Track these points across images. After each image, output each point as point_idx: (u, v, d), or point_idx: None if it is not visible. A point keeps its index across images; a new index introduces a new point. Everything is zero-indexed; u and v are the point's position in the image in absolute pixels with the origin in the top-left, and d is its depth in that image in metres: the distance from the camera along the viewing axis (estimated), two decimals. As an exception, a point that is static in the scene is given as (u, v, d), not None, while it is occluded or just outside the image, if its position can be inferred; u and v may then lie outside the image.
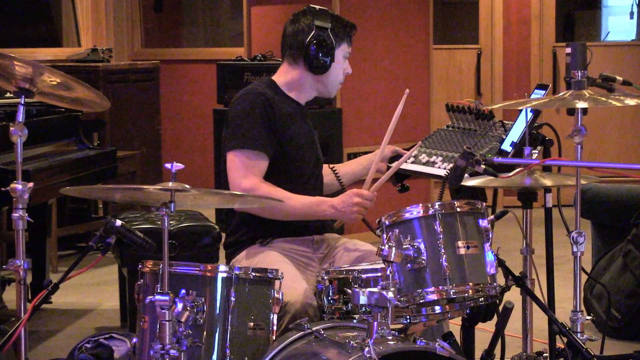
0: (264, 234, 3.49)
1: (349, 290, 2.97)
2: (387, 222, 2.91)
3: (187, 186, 2.76)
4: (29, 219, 3.33)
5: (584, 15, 9.82)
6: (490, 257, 2.94)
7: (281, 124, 3.48)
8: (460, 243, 2.90)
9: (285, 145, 3.49)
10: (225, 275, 2.92)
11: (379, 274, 2.99)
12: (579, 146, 3.21)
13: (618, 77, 3.99)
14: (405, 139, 6.40)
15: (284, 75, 3.59)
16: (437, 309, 2.96)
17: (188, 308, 2.77)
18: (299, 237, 3.52)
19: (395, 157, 3.77)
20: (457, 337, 3.36)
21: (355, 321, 2.96)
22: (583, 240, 3.25)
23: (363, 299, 2.69)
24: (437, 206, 2.91)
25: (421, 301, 2.86)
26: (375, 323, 2.67)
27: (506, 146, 3.68)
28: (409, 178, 4.03)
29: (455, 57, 8.52)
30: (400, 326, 3.02)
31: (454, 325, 3.48)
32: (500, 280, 3.08)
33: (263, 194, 3.35)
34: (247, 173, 3.40)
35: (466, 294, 2.93)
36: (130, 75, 7.11)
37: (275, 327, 2.97)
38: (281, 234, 3.49)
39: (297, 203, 3.42)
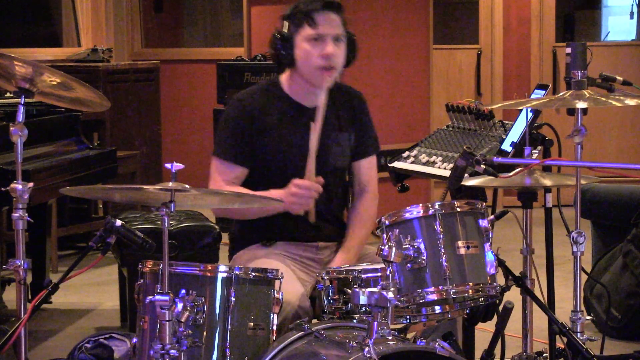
0: (268, 235, 3.46)
1: (349, 290, 2.97)
2: (387, 222, 2.90)
3: (187, 186, 2.76)
4: (29, 219, 3.33)
5: (584, 15, 9.83)
6: (490, 257, 2.94)
7: (259, 132, 3.42)
8: (460, 243, 2.90)
9: (264, 153, 3.43)
10: (225, 275, 2.91)
11: (379, 274, 2.98)
12: (579, 146, 3.21)
13: (618, 77, 3.99)
14: (405, 139, 6.41)
15: (285, 77, 3.52)
16: (437, 309, 2.96)
17: (188, 308, 2.77)
18: (304, 242, 3.47)
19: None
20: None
21: (355, 321, 2.96)
22: (583, 240, 3.25)
23: (363, 299, 2.69)
24: (437, 206, 2.90)
25: (421, 301, 2.86)
26: (375, 323, 2.67)
27: (506, 146, 3.69)
28: (409, 178, 4.04)
29: (455, 57, 8.52)
30: (400, 326, 3.02)
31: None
32: (500, 280, 3.08)
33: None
34: (216, 178, 3.45)
35: (466, 294, 2.93)
36: (130, 75, 7.11)
37: (275, 327, 2.97)
38: (285, 238, 3.45)
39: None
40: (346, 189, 3.59)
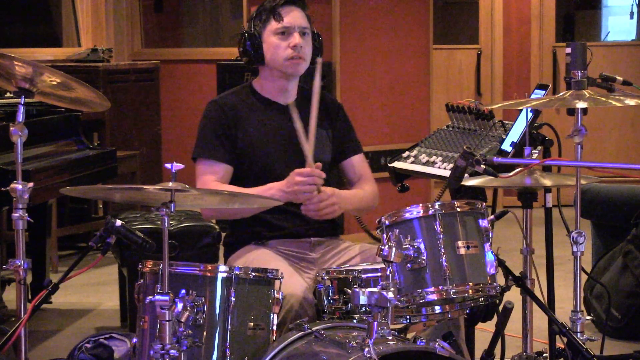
0: (260, 235, 3.47)
1: (349, 290, 2.97)
2: (387, 222, 2.90)
3: (187, 186, 2.76)
4: (29, 219, 3.33)
5: (584, 15, 9.83)
6: (490, 257, 2.94)
7: (238, 129, 3.47)
8: (460, 243, 2.90)
9: (246, 150, 3.47)
10: (225, 275, 2.91)
11: (379, 274, 2.98)
12: (579, 146, 3.21)
13: (618, 77, 3.98)
14: (405, 139, 6.41)
15: (256, 80, 3.61)
16: (437, 309, 2.96)
17: (188, 308, 2.77)
18: (296, 239, 3.49)
19: None
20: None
21: (355, 321, 2.96)
22: (583, 240, 3.25)
23: (363, 299, 2.69)
24: (437, 206, 2.91)
25: (421, 301, 2.86)
26: (375, 323, 2.67)
27: (506, 146, 3.68)
28: (409, 178, 4.03)
29: (455, 57, 8.51)
30: (400, 326, 3.02)
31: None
32: (500, 280, 3.08)
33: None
34: (202, 179, 3.48)
35: (466, 294, 2.93)
36: (130, 75, 7.11)
37: (275, 327, 2.97)
38: (278, 236, 3.46)
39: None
40: (332, 185, 3.60)
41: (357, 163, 3.67)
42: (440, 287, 2.85)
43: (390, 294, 2.67)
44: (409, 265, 2.84)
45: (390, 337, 2.68)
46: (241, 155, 3.48)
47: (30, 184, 3.32)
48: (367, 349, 2.61)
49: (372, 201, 3.62)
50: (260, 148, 3.48)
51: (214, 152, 3.47)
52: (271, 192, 3.36)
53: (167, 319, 2.72)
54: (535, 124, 3.59)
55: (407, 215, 2.90)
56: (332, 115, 3.65)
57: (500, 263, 3.13)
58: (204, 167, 3.49)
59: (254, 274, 2.96)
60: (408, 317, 2.95)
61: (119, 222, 3.11)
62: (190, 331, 2.78)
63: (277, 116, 3.53)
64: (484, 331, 3.68)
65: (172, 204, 2.76)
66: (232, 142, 3.48)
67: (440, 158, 3.88)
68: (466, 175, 3.14)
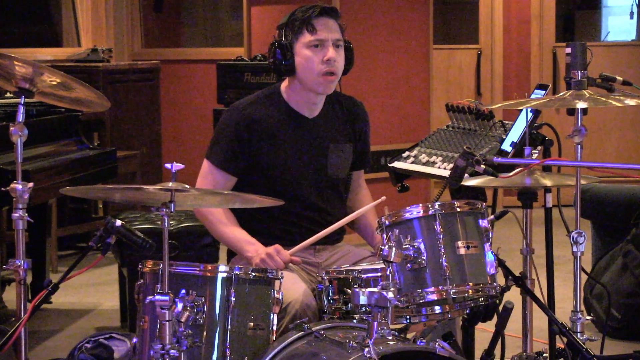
0: (264, 241, 3.43)
1: (349, 290, 2.97)
2: (387, 222, 2.90)
3: (187, 186, 2.77)
4: (29, 219, 3.33)
5: (584, 15, 9.83)
6: (490, 257, 2.94)
7: (257, 141, 3.43)
8: (460, 243, 2.89)
9: (261, 161, 3.44)
10: (225, 275, 2.91)
11: (379, 274, 2.98)
12: (579, 146, 3.21)
13: (618, 77, 3.98)
14: (405, 139, 6.42)
15: (285, 85, 3.53)
16: (437, 309, 2.96)
17: (188, 308, 2.77)
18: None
19: None
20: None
21: (355, 321, 2.96)
22: (583, 240, 3.25)
23: (363, 299, 2.69)
24: (437, 206, 2.90)
25: (421, 301, 2.86)
26: (375, 323, 2.67)
27: (506, 146, 3.68)
28: (409, 178, 4.03)
29: (455, 57, 8.52)
30: (400, 326, 3.02)
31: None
32: (500, 280, 3.08)
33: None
34: (203, 181, 3.47)
35: (466, 294, 2.93)
36: (130, 75, 7.11)
37: (275, 327, 2.97)
38: (282, 244, 3.41)
39: (229, 233, 3.43)
40: (342, 199, 3.61)
41: (360, 176, 3.71)
42: (440, 287, 2.84)
43: (390, 294, 2.67)
44: (409, 265, 2.84)
45: (390, 337, 2.68)
46: (258, 167, 3.45)
47: (30, 184, 3.32)
48: (367, 349, 2.61)
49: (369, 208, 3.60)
50: (280, 164, 3.45)
51: (222, 162, 3.45)
52: (246, 247, 3.37)
53: (167, 319, 2.72)
54: (535, 124, 3.59)
55: (407, 215, 2.90)
56: (359, 125, 3.62)
57: (500, 263, 3.13)
58: (208, 170, 3.48)
59: (253, 274, 2.96)
60: (408, 317, 2.95)
61: (119, 222, 3.11)
62: (190, 331, 2.78)
63: (304, 131, 3.48)
64: (484, 331, 3.68)
65: (172, 204, 2.76)
66: (247, 155, 3.44)
67: (440, 158, 3.88)
68: (466, 175, 3.14)
